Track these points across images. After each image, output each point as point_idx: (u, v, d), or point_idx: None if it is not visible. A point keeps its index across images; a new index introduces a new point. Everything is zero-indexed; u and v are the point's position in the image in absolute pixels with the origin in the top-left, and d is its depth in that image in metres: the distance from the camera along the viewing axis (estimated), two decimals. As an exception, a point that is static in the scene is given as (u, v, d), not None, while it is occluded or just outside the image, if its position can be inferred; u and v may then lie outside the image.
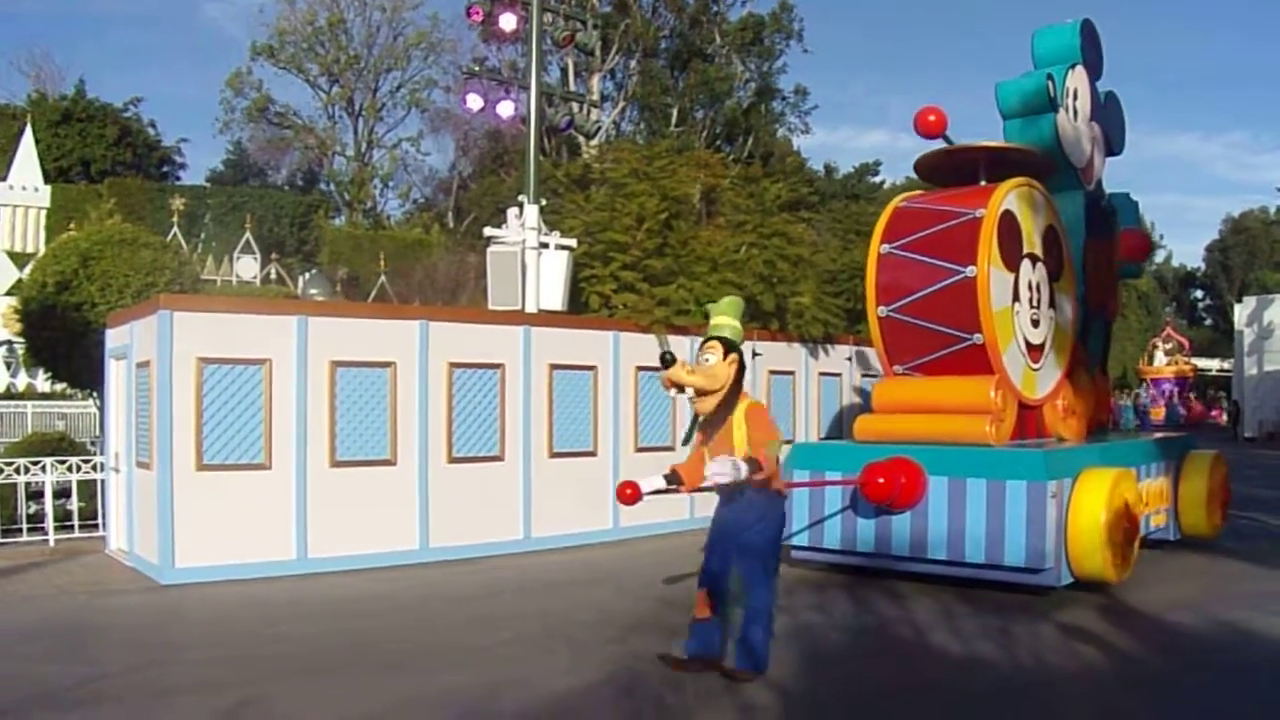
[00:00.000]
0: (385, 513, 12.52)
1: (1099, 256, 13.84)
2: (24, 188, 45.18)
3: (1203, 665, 8.10)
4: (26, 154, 46.34)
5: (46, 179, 46.66)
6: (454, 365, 13.21)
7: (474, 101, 17.70)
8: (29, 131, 47.83)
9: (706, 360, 7.32)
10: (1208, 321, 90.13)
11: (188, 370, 11.58)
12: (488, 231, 16.49)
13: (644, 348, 15.42)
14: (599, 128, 41.30)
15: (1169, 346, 56.34)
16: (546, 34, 17.83)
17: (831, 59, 72.30)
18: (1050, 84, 12.65)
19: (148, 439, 11.98)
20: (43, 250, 29.75)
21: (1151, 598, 10.47)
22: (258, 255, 39.45)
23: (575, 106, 18.69)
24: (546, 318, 15.04)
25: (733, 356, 7.44)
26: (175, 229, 35.23)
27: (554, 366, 14.25)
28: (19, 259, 40.48)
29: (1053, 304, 12.39)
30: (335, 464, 12.27)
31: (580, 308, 16.61)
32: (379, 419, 12.63)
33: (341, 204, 59.20)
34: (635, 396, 15.32)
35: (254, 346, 11.92)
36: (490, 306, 15.45)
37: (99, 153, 57.31)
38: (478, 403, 13.39)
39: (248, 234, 39.31)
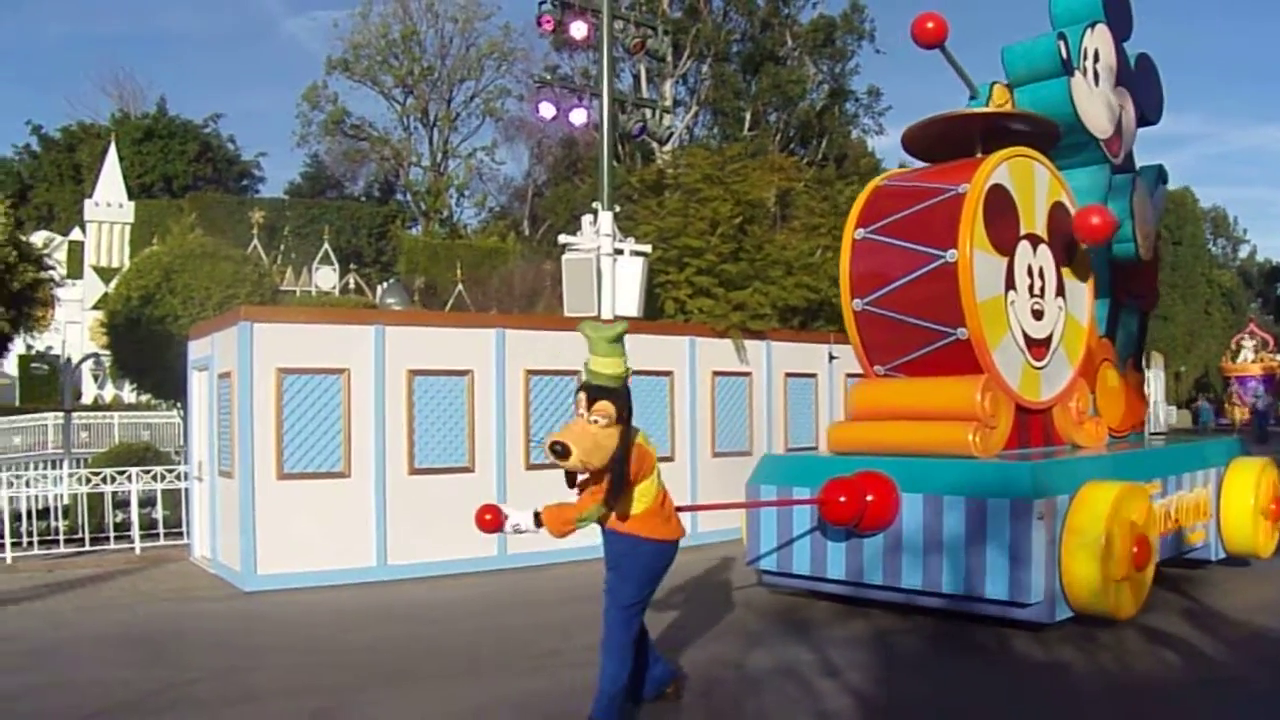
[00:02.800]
0: (464, 519, 12.54)
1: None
2: (109, 204, 46.21)
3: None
4: (111, 172, 47.39)
5: (130, 195, 47.69)
6: (530, 372, 13.23)
7: (547, 110, 17.76)
8: (113, 150, 48.90)
9: (595, 422, 6.21)
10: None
11: (268, 380, 11.71)
12: (562, 239, 16.54)
13: (720, 352, 15.38)
14: (672, 133, 41.32)
15: (1255, 343, 55.10)
16: (617, 41, 17.83)
17: (904, 59, 71.63)
18: (1062, 45, 11.28)
19: (229, 448, 12.13)
20: (127, 265, 30.33)
21: (1233, 602, 10.20)
22: (336, 266, 39.98)
23: (648, 112, 18.68)
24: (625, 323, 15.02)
25: (620, 407, 6.33)
26: (255, 241, 35.77)
27: (632, 373, 14.21)
28: (105, 274, 41.37)
29: (1062, 292, 10.76)
30: (414, 471, 12.34)
31: (656, 313, 16.60)
32: (457, 427, 12.69)
33: (418, 214, 59.76)
34: (712, 401, 15.26)
35: (333, 356, 12.02)
36: (566, 313, 15.48)
37: (180, 168, 58.44)
38: (554, 410, 13.41)
39: (326, 245, 39.85)
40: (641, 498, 6.47)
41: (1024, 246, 10.25)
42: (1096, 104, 11.71)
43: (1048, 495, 8.56)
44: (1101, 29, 11.96)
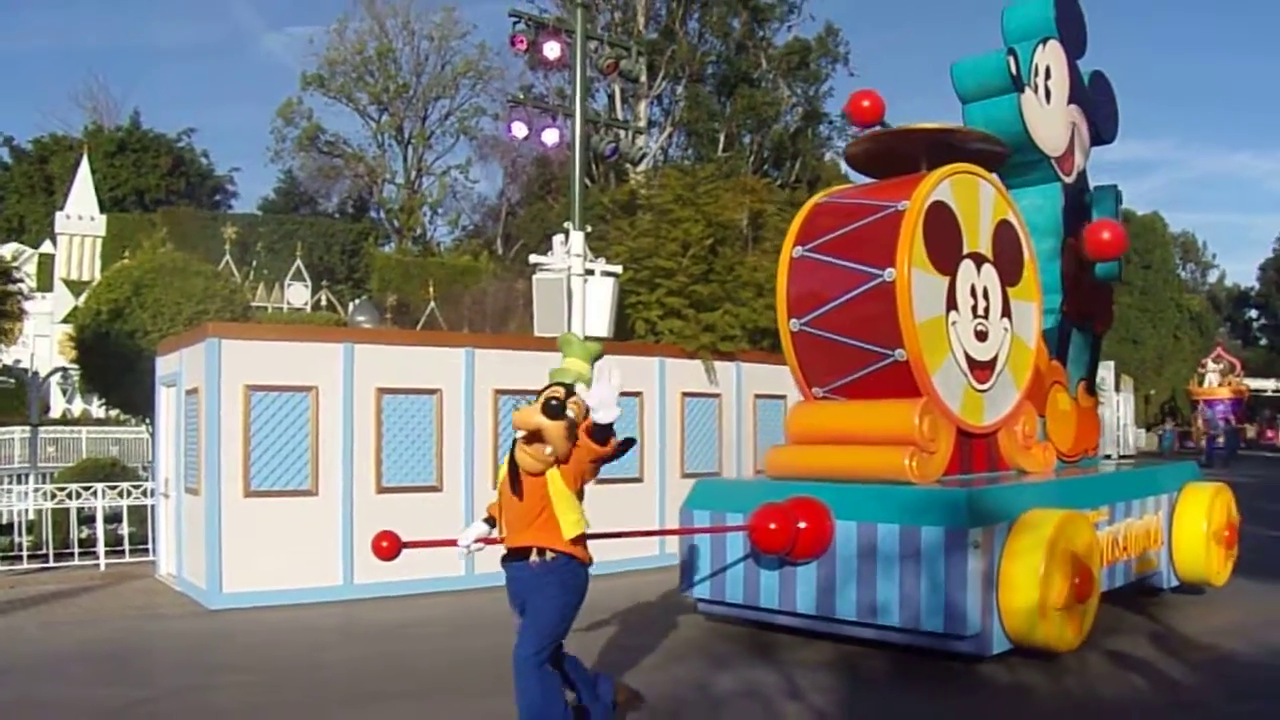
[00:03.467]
0: (432, 539, 12.56)
1: (1081, 259, 11.93)
2: (80, 217, 46.05)
3: (1254, 695, 7.98)
4: (83, 184, 47.25)
5: (102, 208, 47.50)
6: (500, 392, 13.25)
7: (519, 129, 17.78)
8: (85, 162, 48.68)
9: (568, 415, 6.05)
10: (1263, 341, 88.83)
11: (235, 397, 11.69)
12: (534, 259, 16.56)
13: (690, 373, 15.42)
14: (645, 154, 41.45)
15: (1221, 367, 55.48)
16: (591, 61, 17.89)
17: (878, 81, 72.38)
18: (1012, 60, 11.01)
19: (196, 465, 12.11)
20: (98, 278, 30.18)
21: (1198, 626, 10.27)
22: (308, 282, 39.91)
23: (621, 133, 18.74)
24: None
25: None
26: (227, 257, 35.70)
27: (686, 394, 14.33)
28: (75, 287, 41.15)
29: (1008, 313, 10.38)
30: (381, 490, 12.34)
31: (627, 334, 16.63)
32: (425, 446, 12.70)
33: (391, 231, 59.68)
34: (682, 422, 15.30)
35: (301, 374, 12.02)
36: (536, 333, 15.51)
37: (153, 182, 58.22)
38: (523, 429, 13.42)
39: (299, 261, 39.78)
40: (577, 511, 6.23)
41: (967, 266, 9.92)
42: (1048, 121, 11.56)
43: (985, 523, 8.30)
44: (1054, 45, 11.79)
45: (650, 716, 7.21)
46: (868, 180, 11.08)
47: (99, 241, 45.53)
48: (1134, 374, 59.18)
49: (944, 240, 9.60)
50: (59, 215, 46.42)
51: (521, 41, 17.34)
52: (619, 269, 16.54)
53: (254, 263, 41.38)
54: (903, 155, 10.37)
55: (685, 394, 15.36)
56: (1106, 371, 49.60)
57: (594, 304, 15.82)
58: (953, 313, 9.70)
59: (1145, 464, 13.87)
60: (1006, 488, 9.36)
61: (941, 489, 8.84)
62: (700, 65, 47.93)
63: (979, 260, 10.06)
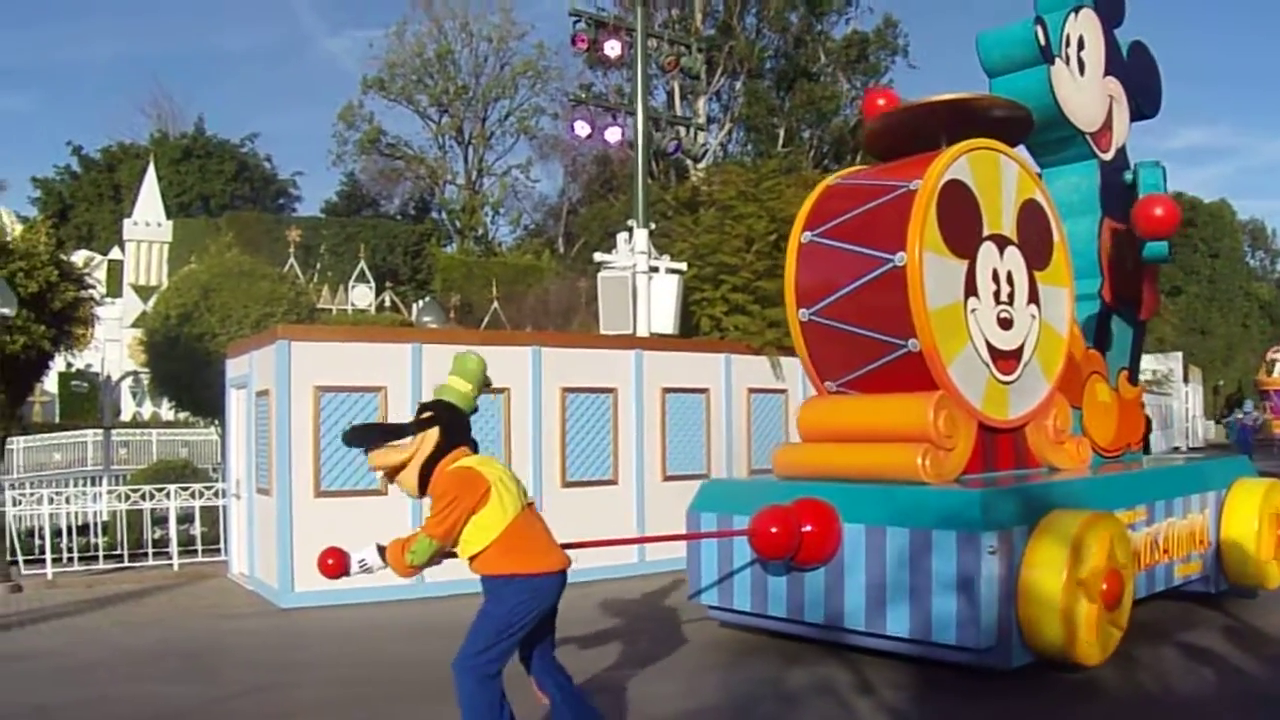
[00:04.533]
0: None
1: (1121, 241, 11.08)
2: (148, 223, 46.63)
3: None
4: (150, 191, 47.84)
5: (168, 214, 48.09)
6: (567, 390, 13.25)
7: (581, 128, 17.83)
8: (152, 169, 49.34)
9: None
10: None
11: (305, 398, 11.77)
12: (598, 257, 16.59)
13: (756, 370, 15.35)
14: (706, 150, 41.41)
15: (1288, 356, 54.43)
16: (651, 59, 17.88)
17: (939, 74, 71.73)
18: (1040, 30, 10.32)
19: (267, 466, 12.20)
20: (166, 283, 30.57)
21: (1264, 621, 10.02)
22: (372, 284, 40.13)
23: (682, 130, 18.74)
24: (658, 341, 15.04)
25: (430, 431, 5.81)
26: (292, 260, 35.98)
27: (666, 390, 14.24)
28: (144, 292, 41.70)
29: (1035, 299, 9.64)
30: (450, 489, 12.35)
31: (691, 331, 16.60)
32: (493, 444, 12.70)
33: (453, 232, 59.97)
34: (748, 418, 15.23)
35: (370, 374, 12.08)
36: (602, 331, 15.51)
37: (218, 188, 59.01)
38: (590, 426, 13.42)
39: (362, 263, 40.02)
40: (485, 530, 5.64)
41: (988, 249, 9.19)
42: (1082, 94, 10.86)
43: (1002, 526, 7.68)
44: (1087, 14, 11.08)
45: None
46: (889, 165, 10.41)
47: (166, 247, 46.08)
48: (1202, 365, 58.41)
49: (961, 221, 8.93)
50: (127, 222, 47.06)
51: (583, 40, 17.39)
52: (683, 266, 16.50)
53: (318, 265, 41.71)
54: (922, 134, 9.54)
55: (751, 390, 15.28)
56: (1175, 363, 48.99)
57: (659, 301, 15.81)
58: (972, 299, 9.02)
59: (1192, 459, 12.94)
60: (1028, 487, 8.75)
61: (954, 489, 8.26)
62: (759, 60, 47.77)
63: (1002, 243, 9.34)
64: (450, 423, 5.90)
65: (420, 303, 35.10)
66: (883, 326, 8.84)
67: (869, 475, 8.73)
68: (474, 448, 5.95)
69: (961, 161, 9.01)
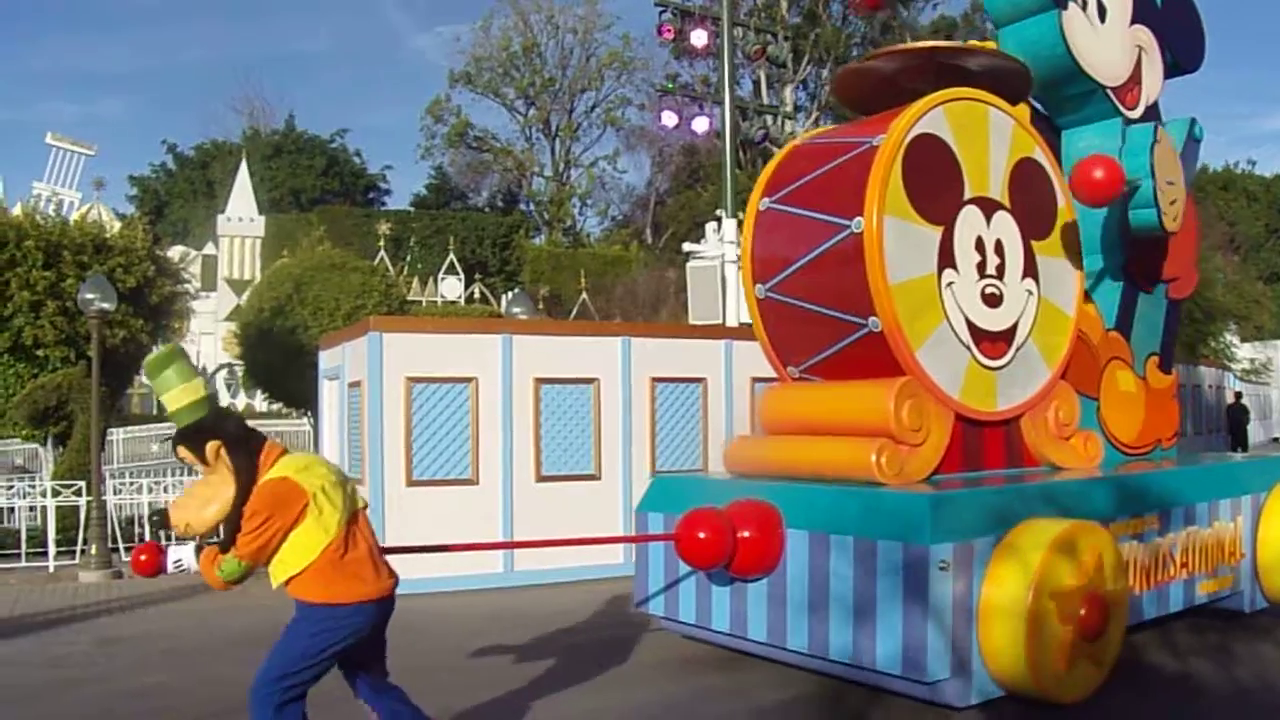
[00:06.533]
0: (590, 526, 12.58)
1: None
2: (241, 219, 47.43)
3: None
4: (242, 187, 48.67)
5: (261, 210, 48.84)
6: (656, 380, 13.22)
7: (669, 119, 17.81)
8: (244, 166, 50.16)
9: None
10: None
11: (397, 389, 11.86)
12: (686, 247, 16.55)
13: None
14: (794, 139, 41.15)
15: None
16: (737, 48, 17.81)
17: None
18: None
19: (360, 456, 12.31)
20: (259, 277, 31.03)
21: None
22: (461, 276, 40.47)
23: (769, 119, 18.61)
24: (748, 331, 14.93)
25: (214, 444, 4.94)
26: (382, 253, 36.38)
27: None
28: (238, 286, 42.42)
29: (1033, 273, 8.41)
30: (541, 479, 12.40)
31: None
32: (583, 434, 12.73)
33: (541, 223, 60.31)
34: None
35: (461, 365, 12.14)
36: (691, 321, 15.47)
37: (309, 183, 59.81)
38: (679, 416, 13.38)
39: (451, 255, 40.39)
40: (302, 550, 4.95)
41: (970, 214, 7.98)
42: (1102, 44, 9.47)
43: (958, 537, 6.57)
44: None
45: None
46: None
47: (259, 242, 46.82)
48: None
49: (934, 182, 7.76)
50: (220, 218, 47.88)
51: (669, 30, 17.37)
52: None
53: (408, 258, 42.14)
54: (904, 90, 8.25)
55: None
56: (1274, 352, 47.81)
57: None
58: (949, 271, 7.81)
59: (1226, 458, 11.35)
60: (997, 491, 7.49)
61: (902, 493, 7.06)
62: (845, 48, 47.43)
63: (989, 207, 8.12)
64: (243, 438, 5.05)
65: (509, 294, 35.26)
66: (842, 303, 7.75)
67: (824, 474, 7.70)
68: (256, 439, 5.11)
69: (936, 113, 7.85)
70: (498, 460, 12.21)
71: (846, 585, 6.85)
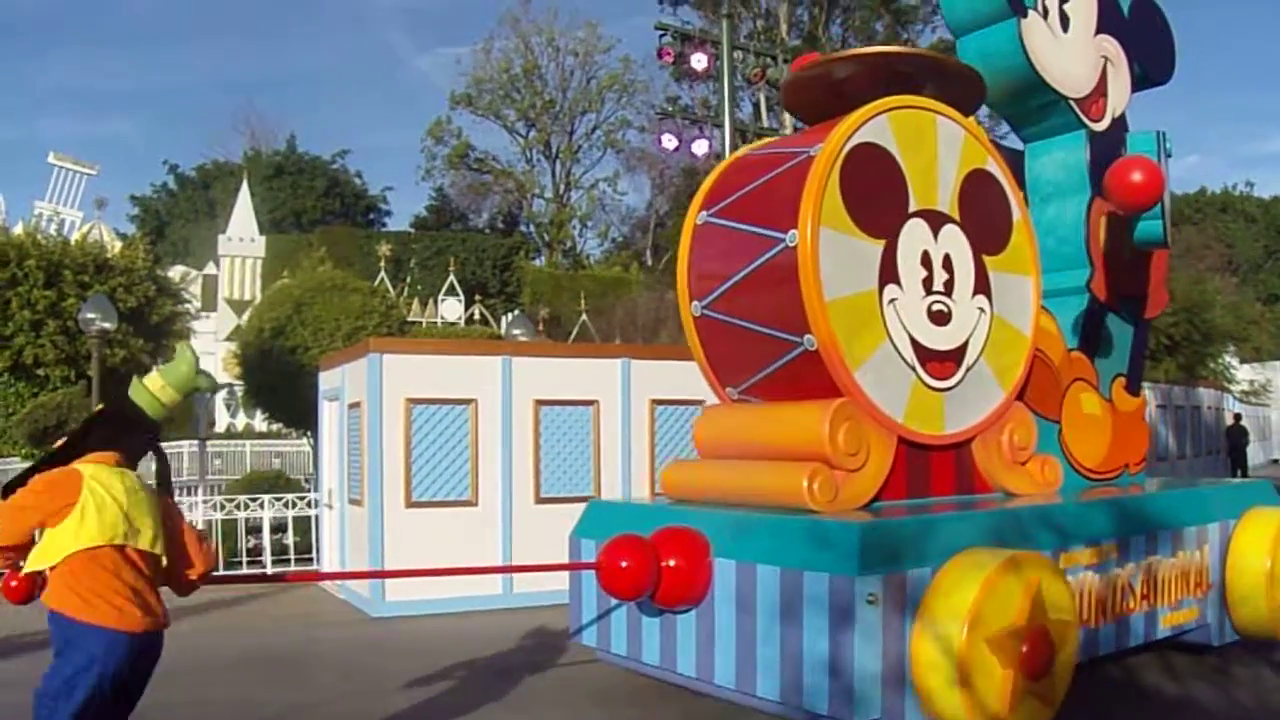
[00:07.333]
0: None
1: (1118, 226, 9.19)
2: (242, 239, 47.48)
3: None
4: (243, 207, 48.75)
5: (261, 230, 48.91)
6: (656, 402, 13.23)
7: (669, 141, 17.88)
8: (245, 186, 50.25)
9: None
10: None
11: (397, 410, 11.87)
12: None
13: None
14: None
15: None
16: (737, 71, 17.86)
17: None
18: None
19: (359, 477, 12.32)
20: (259, 298, 31.05)
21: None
22: (461, 297, 40.50)
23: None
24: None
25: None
26: (382, 274, 36.39)
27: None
28: (238, 306, 42.44)
29: (985, 289, 7.96)
30: (540, 500, 12.41)
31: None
32: (582, 456, 12.74)
33: (541, 245, 60.43)
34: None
35: (460, 387, 12.17)
36: (689, 343, 15.46)
37: (310, 203, 59.95)
38: (678, 438, 13.38)
39: (451, 277, 40.40)
40: (50, 549, 4.72)
41: (915, 227, 7.56)
42: (1064, 53, 9.20)
43: (888, 569, 6.18)
44: None
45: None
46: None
47: (260, 262, 46.84)
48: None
49: (876, 193, 7.37)
50: (221, 238, 47.91)
51: (669, 54, 17.45)
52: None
53: (408, 279, 42.16)
54: (850, 98, 7.72)
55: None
56: (1273, 373, 47.86)
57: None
58: (891, 287, 7.38)
59: (1193, 483, 10.84)
60: (932, 520, 6.93)
61: (828, 520, 6.60)
62: (846, 72, 47.53)
63: (936, 220, 7.69)
64: (97, 429, 5.06)
65: (509, 316, 35.33)
66: (778, 320, 7.32)
67: (756, 500, 7.35)
68: (128, 460, 5.10)
69: (879, 121, 7.44)
70: (497, 482, 12.22)
71: (773, 619, 6.50)
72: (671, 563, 6.92)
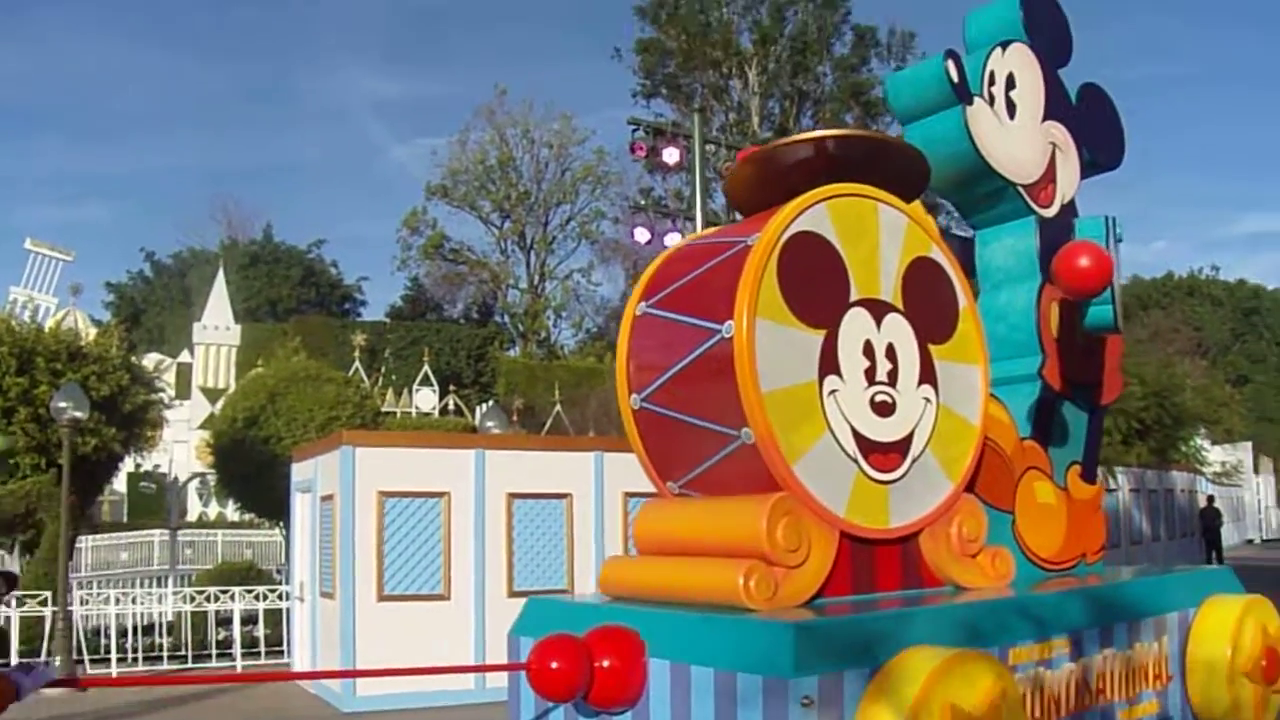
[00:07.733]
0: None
1: (1070, 312, 9.13)
2: (217, 327, 47.49)
3: None
4: (219, 296, 48.82)
5: (236, 318, 48.94)
6: (629, 495, 13.28)
7: (641, 234, 18.12)
8: (221, 275, 50.36)
9: None
10: None
11: (369, 503, 11.88)
12: (658, 361, 16.68)
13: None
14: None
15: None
16: (709, 163, 18.16)
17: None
18: (951, 66, 8.69)
19: (331, 569, 12.29)
20: (234, 386, 31.04)
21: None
22: (436, 387, 40.55)
23: (743, 236, 18.90)
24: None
25: None
26: (357, 364, 36.45)
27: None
28: (212, 394, 42.31)
29: (931, 379, 7.66)
30: (513, 594, 12.37)
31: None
32: (555, 549, 12.75)
33: (516, 335, 60.56)
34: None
35: (433, 480, 12.19)
36: (662, 435, 15.54)
37: (285, 292, 60.08)
38: (651, 531, 13.42)
39: (426, 367, 40.49)
40: None
41: (856, 316, 7.36)
42: (1011, 140, 9.10)
43: (824, 670, 5.91)
44: (1019, 50, 9.35)
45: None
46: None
47: (234, 350, 46.86)
48: (1273, 454, 57.28)
49: (815, 283, 7.21)
50: (196, 326, 47.93)
51: (641, 148, 17.72)
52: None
53: (383, 369, 42.24)
54: (795, 187, 7.51)
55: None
56: (1244, 453, 48.11)
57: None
58: (832, 378, 7.14)
59: (1150, 571, 10.13)
60: (873, 617, 6.71)
61: (764, 620, 6.39)
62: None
63: (879, 309, 7.52)
64: None
65: (483, 406, 35.37)
66: (715, 413, 7.06)
67: (694, 598, 7.04)
68: None
69: (818, 210, 7.29)
70: (470, 575, 12.21)
71: None
72: (605, 663, 6.55)
